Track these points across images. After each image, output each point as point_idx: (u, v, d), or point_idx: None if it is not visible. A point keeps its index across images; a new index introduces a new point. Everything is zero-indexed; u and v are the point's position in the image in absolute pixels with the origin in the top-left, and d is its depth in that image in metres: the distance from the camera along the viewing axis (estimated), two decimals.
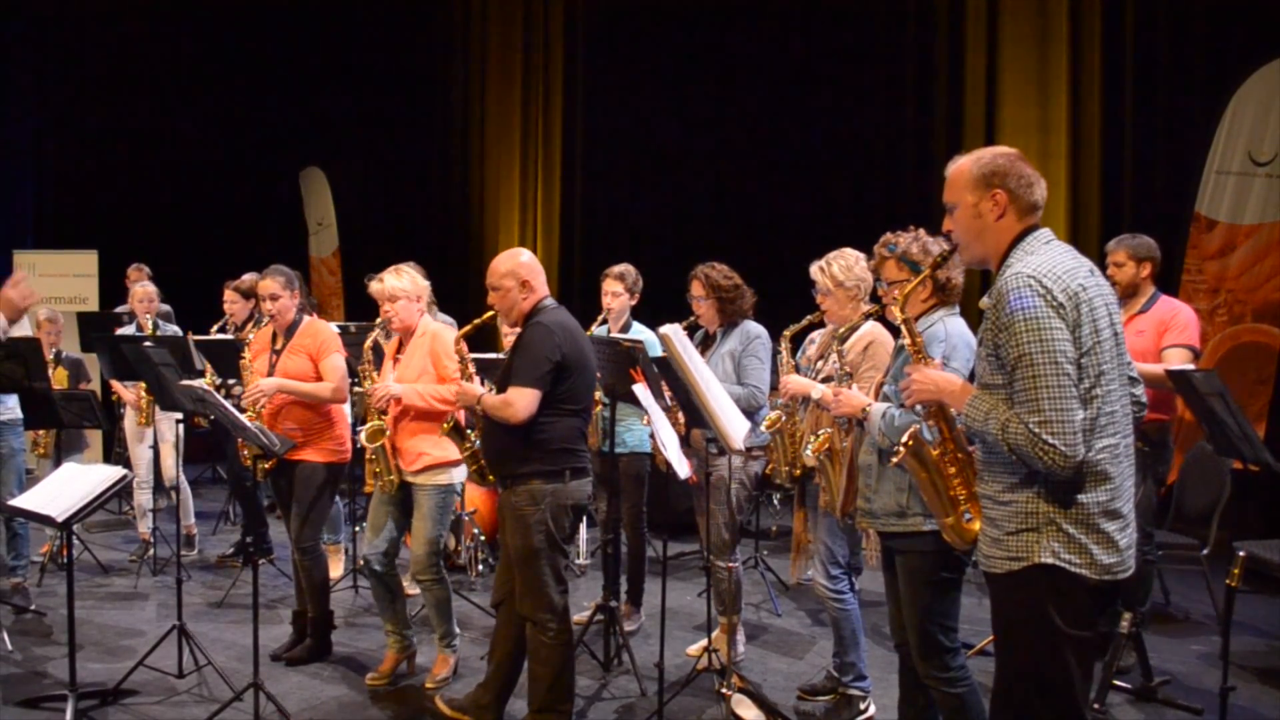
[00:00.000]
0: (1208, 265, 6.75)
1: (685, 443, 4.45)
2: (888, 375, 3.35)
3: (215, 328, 6.49)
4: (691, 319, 4.70)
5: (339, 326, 5.61)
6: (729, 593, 4.64)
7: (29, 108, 10.92)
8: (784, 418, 4.19)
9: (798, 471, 4.23)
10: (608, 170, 9.99)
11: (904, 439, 2.71)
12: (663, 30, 9.51)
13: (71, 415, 5.57)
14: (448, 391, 4.26)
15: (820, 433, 3.73)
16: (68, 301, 9.02)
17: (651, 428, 4.19)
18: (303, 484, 4.69)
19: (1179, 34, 7.06)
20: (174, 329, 6.76)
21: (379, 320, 4.65)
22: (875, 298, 3.79)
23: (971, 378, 2.93)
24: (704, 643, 4.72)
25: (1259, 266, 6.57)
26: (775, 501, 7.84)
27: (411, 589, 5.23)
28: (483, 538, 6.16)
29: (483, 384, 4.21)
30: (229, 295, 6.33)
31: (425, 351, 4.45)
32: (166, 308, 7.16)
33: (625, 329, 5.18)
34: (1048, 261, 2.45)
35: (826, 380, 3.99)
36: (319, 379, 4.71)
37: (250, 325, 5.57)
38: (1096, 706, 4.09)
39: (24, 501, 4.10)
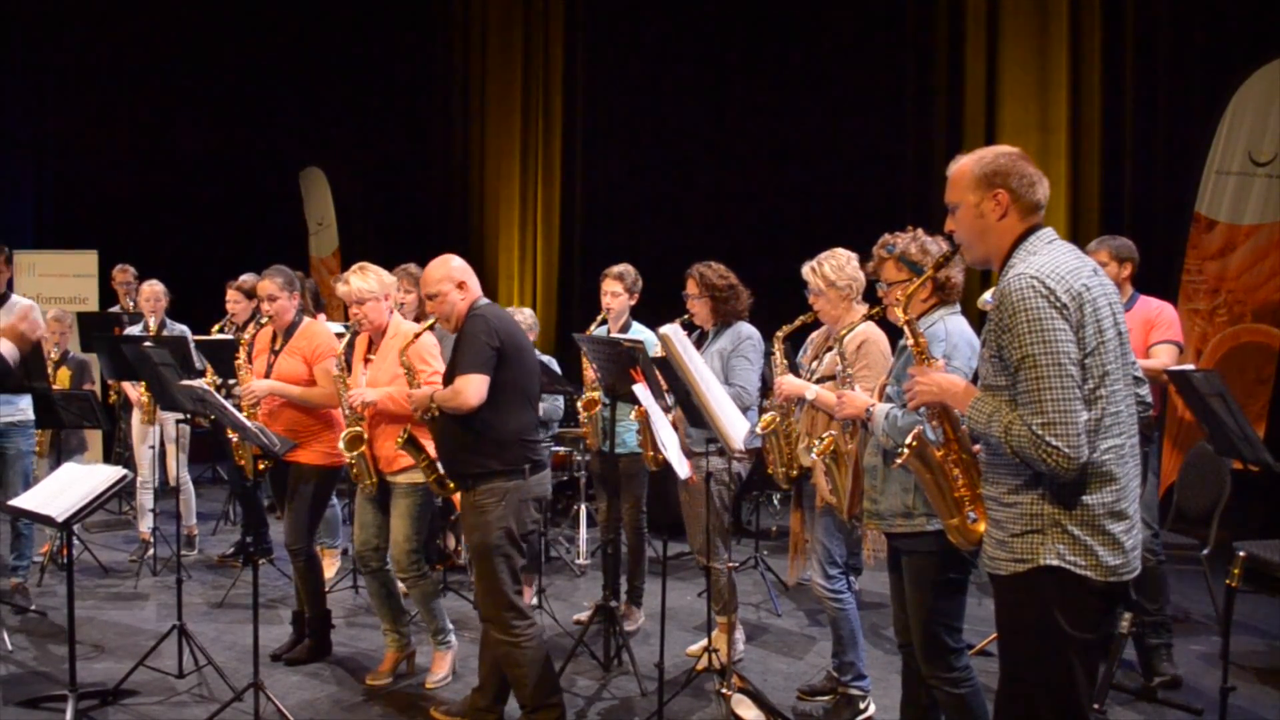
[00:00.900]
0: (1208, 265, 6.75)
1: None
2: (890, 376, 3.35)
3: (216, 328, 6.50)
4: (684, 317, 4.69)
5: (345, 327, 5.60)
6: (725, 592, 4.64)
7: (29, 108, 10.92)
8: (779, 419, 4.19)
9: (794, 472, 4.24)
10: (608, 170, 9.99)
11: (909, 440, 2.70)
12: (662, 30, 9.52)
13: (71, 415, 5.57)
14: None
15: (825, 435, 3.73)
16: (67, 301, 9.01)
17: (652, 426, 4.19)
18: (295, 486, 4.69)
19: (1179, 34, 7.06)
20: (182, 328, 6.76)
21: (349, 326, 4.59)
22: (872, 298, 3.78)
23: (974, 378, 2.92)
24: (704, 643, 4.72)
25: (1259, 266, 6.57)
26: (775, 501, 7.84)
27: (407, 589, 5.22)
28: None
29: None
30: (231, 295, 6.33)
31: (398, 352, 4.41)
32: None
33: (625, 329, 5.17)
34: (1051, 262, 2.44)
35: (821, 381, 4.00)
36: (313, 382, 4.71)
37: (251, 325, 5.57)
38: (1096, 707, 4.08)
39: (24, 501, 4.09)
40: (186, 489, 6.53)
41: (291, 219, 12.00)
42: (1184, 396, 4.23)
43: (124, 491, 5.91)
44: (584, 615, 5.22)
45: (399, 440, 4.08)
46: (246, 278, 6.29)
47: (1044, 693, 2.46)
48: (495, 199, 10.89)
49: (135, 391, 6.45)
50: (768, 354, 4.53)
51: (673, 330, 3.94)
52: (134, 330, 6.71)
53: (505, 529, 3.75)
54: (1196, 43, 7.02)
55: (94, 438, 8.16)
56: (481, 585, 3.82)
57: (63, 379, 6.41)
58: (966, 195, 2.59)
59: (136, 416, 6.54)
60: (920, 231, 3.38)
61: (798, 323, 4.24)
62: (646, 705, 4.33)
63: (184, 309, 7.19)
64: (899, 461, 2.72)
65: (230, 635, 5.18)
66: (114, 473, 3.99)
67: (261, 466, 4.74)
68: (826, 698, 4.41)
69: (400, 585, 4.65)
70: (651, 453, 4.66)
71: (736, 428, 3.93)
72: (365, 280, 4.42)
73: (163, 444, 6.41)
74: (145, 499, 6.45)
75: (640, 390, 4.04)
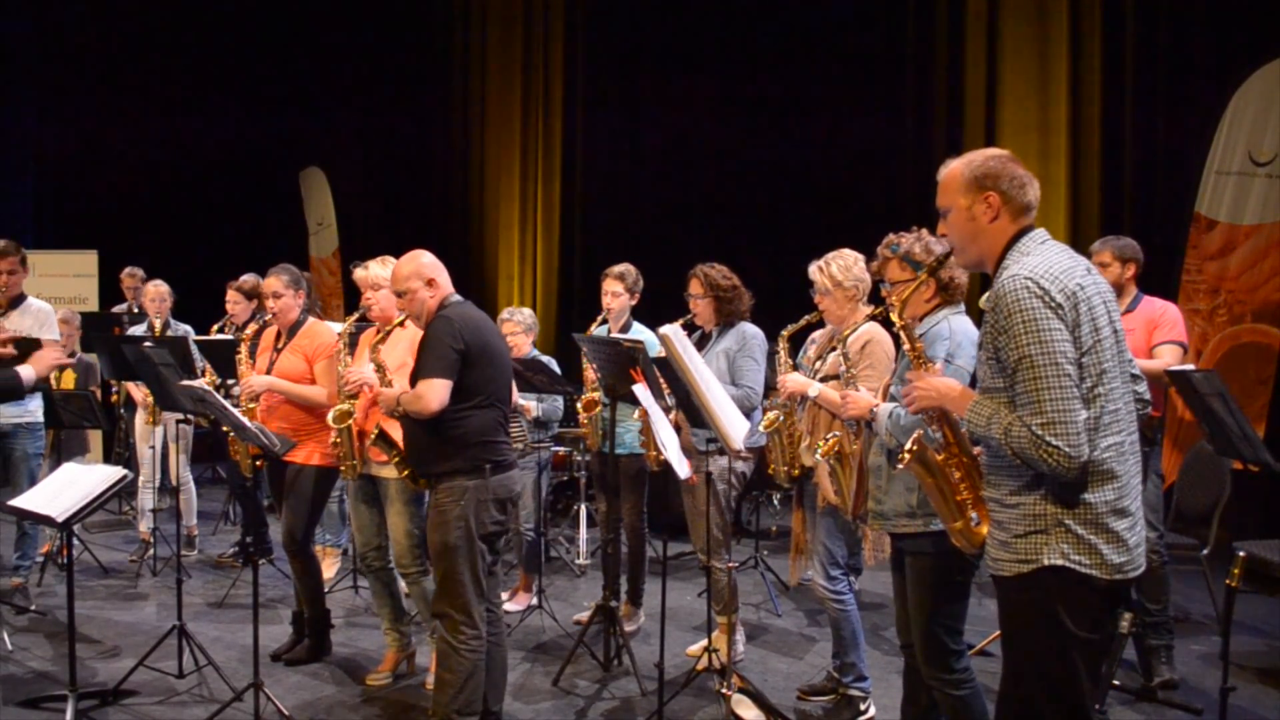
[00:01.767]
0: (1208, 265, 6.75)
1: None
2: (894, 376, 3.35)
3: (215, 327, 6.50)
4: (687, 317, 4.70)
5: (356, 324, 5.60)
6: (726, 592, 4.64)
7: (29, 108, 10.91)
8: (781, 418, 4.20)
9: (796, 471, 4.24)
10: (608, 171, 9.99)
11: (909, 445, 2.70)
12: (663, 30, 9.51)
13: (71, 415, 5.57)
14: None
15: (829, 435, 3.73)
16: (68, 301, 9.01)
17: (652, 426, 4.19)
18: (291, 486, 4.69)
19: (1179, 34, 7.06)
20: (186, 328, 6.76)
21: (358, 310, 4.62)
22: (877, 299, 3.78)
23: (974, 380, 2.92)
24: (704, 643, 4.72)
25: (1259, 266, 6.57)
26: (775, 501, 7.84)
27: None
28: None
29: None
30: (231, 295, 6.33)
31: (408, 346, 4.40)
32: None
33: (625, 329, 5.18)
34: (1044, 262, 2.44)
35: (825, 381, 4.00)
36: (313, 380, 4.71)
37: (251, 325, 5.57)
38: (1097, 707, 4.08)
39: (24, 502, 4.08)
40: (187, 489, 6.53)
41: (291, 219, 11.99)
42: (1184, 397, 4.23)
43: (124, 491, 5.92)
44: (584, 615, 5.22)
45: (370, 438, 4.09)
46: (247, 278, 6.29)
47: (1047, 693, 2.46)
48: (495, 199, 10.88)
49: (140, 393, 6.45)
50: (771, 353, 4.54)
51: (673, 330, 3.94)
52: (137, 330, 6.71)
53: (464, 529, 3.69)
54: (1196, 43, 7.02)
55: (94, 438, 8.16)
56: (439, 583, 3.79)
57: (67, 380, 6.41)
58: (957, 199, 2.59)
59: (140, 416, 6.55)
60: (925, 232, 3.38)
61: (802, 322, 4.25)
62: (646, 705, 4.34)
63: (184, 309, 7.19)
64: (900, 467, 2.72)
65: (230, 635, 5.19)
66: (114, 473, 3.99)
67: (259, 464, 4.73)
68: (826, 698, 4.41)
69: (401, 585, 4.65)
70: (654, 453, 4.66)
71: (736, 427, 3.93)
72: (385, 269, 4.47)
73: (165, 443, 6.41)
74: (145, 499, 6.45)
75: (640, 390, 4.04)
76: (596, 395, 5.01)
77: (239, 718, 4.11)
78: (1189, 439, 6.31)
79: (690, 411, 4.14)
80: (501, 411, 3.81)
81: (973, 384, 2.86)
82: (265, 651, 4.52)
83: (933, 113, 8.13)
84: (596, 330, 5.18)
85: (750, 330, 4.65)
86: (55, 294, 9.00)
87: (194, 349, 5.97)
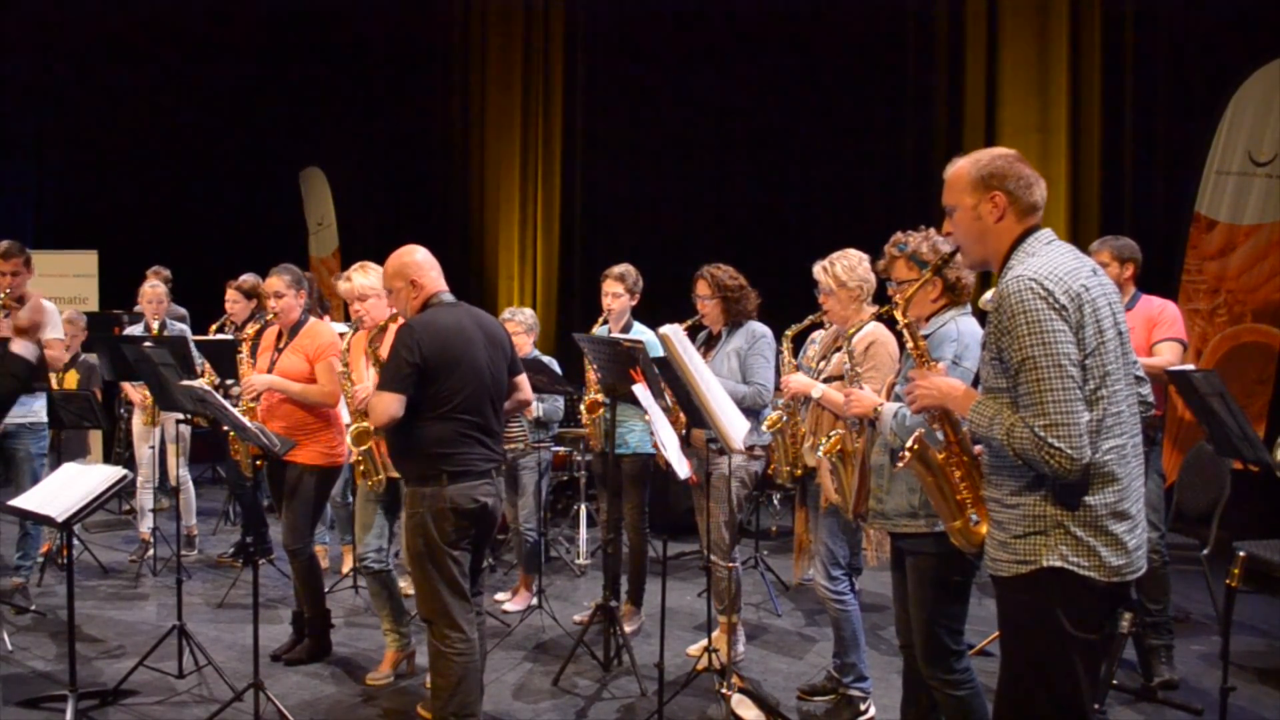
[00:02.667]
0: (1208, 265, 6.76)
1: (686, 442, 4.45)
2: (899, 375, 3.35)
3: (214, 327, 6.50)
4: (695, 319, 4.71)
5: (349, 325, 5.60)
6: (729, 592, 4.64)
7: (29, 108, 10.91)
8: (785, 417, 4.20)
9: (798, 471, 4.24)
10: (608, 170, 9.99)
11: (909, 444, 2.70)
12: (662, 30, 9.50)
13: (71, 415, 5.56)
14: None
15: (831, 434, 3.72)
16: (68, 301, 9.01)
17: (652, 426, 4.19)
18: (290, 486, 4.69)
19: (1179, 34, 7.06)
20: (183, 327, 6.76)
21: (351, 322, 4.61)
22: (883, 298, 3.78)
23: (976, 379, 2.92)
24: (704, 643, 4.72)
25: (1259, 266, 6.57)
26: (775, 502, 7.84)
27: (409, 589, 5.22)
28: None
29: None
30: (230, 294, 6.34)
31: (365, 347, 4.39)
32: (182, 310, 7.15)
33: (626, 329, 5.17)
34: (1049, 263, 2.44)
35: (829, 381, 4.00)
36: (314, 379, 4.71)
37: (251, 325, 5.57)
38: (1096, 707, 4.08)
39: (24, 501, 4.08)
40: (186, 489, 6.53)
41: (291, 219, 11.99)
42: (1184, 396, 4.23)
43: (124, 491, 5.91)
44: (584, 615, 5.22)
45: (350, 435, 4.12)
46: (246, 278, 6.29)
47: (1046, 693, 2.46)
48: (495, 199, 10.88)
49: (138, 393, 6.45)
50: (776, 353, 4.54)
51: (673, 330, 3.95)
52: (135, 330, 6.70)
53: (424, 536, 3.65)
54: (1196, 43, 7.02)
55: (94, 438, 8.16)
56: (415, 589, 3.78)
57: (70, 381, 6.40)
58: (964, 198, 2.59)
59: (138, 417, 6.55)
60: (932, 231, 3.37)
61: (807, 322, 4.25)
62: (646, 705, 4.33)
63: (183, 309, 7.19)
64: (900, 465, 2.72)
65: (230, 635, 5.18)
66: (114, 473, 3.99)
67: (259, 464, 4.73)
68: (826, 698, 4.41)
69: (401, 585, 4.65)
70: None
71: (736, 427, 3.93)
72: (367, 277, 4.46)
73: (163, 444, 6.40)
74: (145, 499, 6.45)
75: (640, 390, 4.04)
76: (600, 397, 5.01)
77: (239, 718, 4.11)
78: (1189, 439, 6.31)
79: (690, 411, 4.14)
80: (470, 421, 3.68)
81: (975, 384, 2.86)
82: (265, 651, 4.52)
83: (933, 113, 8.13)
84: (597, 330, 5.18)
85: (759, 329, 4.66)
86: (55, 294, 8.98)
87: (193, 349, 5.98)
